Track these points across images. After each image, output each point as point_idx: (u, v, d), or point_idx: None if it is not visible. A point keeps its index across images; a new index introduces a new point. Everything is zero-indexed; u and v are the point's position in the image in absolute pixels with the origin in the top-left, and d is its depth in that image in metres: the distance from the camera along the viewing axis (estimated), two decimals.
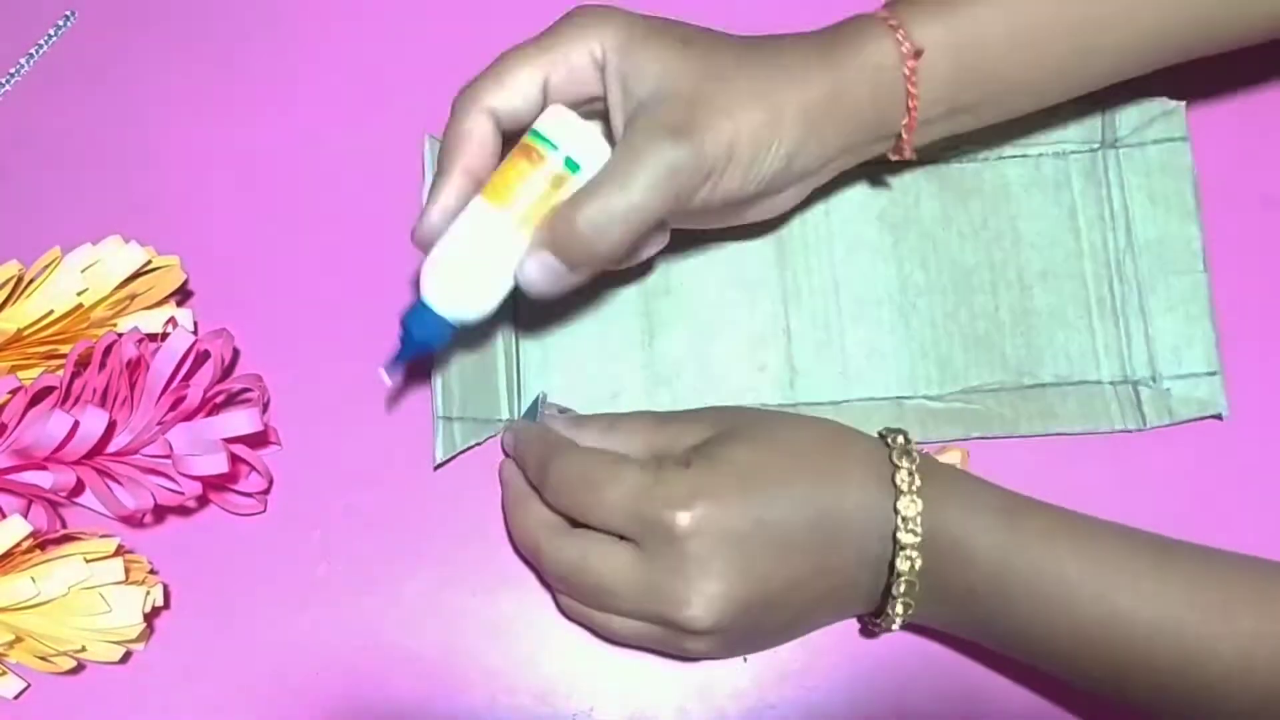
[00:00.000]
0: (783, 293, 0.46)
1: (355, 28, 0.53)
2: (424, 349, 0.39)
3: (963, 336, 0.45)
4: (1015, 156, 0.47)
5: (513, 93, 0.38)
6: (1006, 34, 0.38)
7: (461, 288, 0.38)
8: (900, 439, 0.38)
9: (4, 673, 0.42)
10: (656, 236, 0.40)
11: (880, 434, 0.39)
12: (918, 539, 0.37)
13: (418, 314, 0.38)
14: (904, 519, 0.37)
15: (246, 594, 0.43)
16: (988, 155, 0.47)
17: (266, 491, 0.45)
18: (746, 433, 0.39)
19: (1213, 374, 0.44)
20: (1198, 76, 0.44)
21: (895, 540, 0.37)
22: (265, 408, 0.46)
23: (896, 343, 0.45)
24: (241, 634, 0.43)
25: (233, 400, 0.46)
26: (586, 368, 0.45)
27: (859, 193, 0.47)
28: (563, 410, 0.44)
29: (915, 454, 0.38)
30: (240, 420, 0.41)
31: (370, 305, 0.48)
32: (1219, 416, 0.44)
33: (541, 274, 0.37)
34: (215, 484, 0.43)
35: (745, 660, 0.43)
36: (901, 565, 0.37)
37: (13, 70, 0.52)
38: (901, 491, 0.37)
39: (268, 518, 0.45)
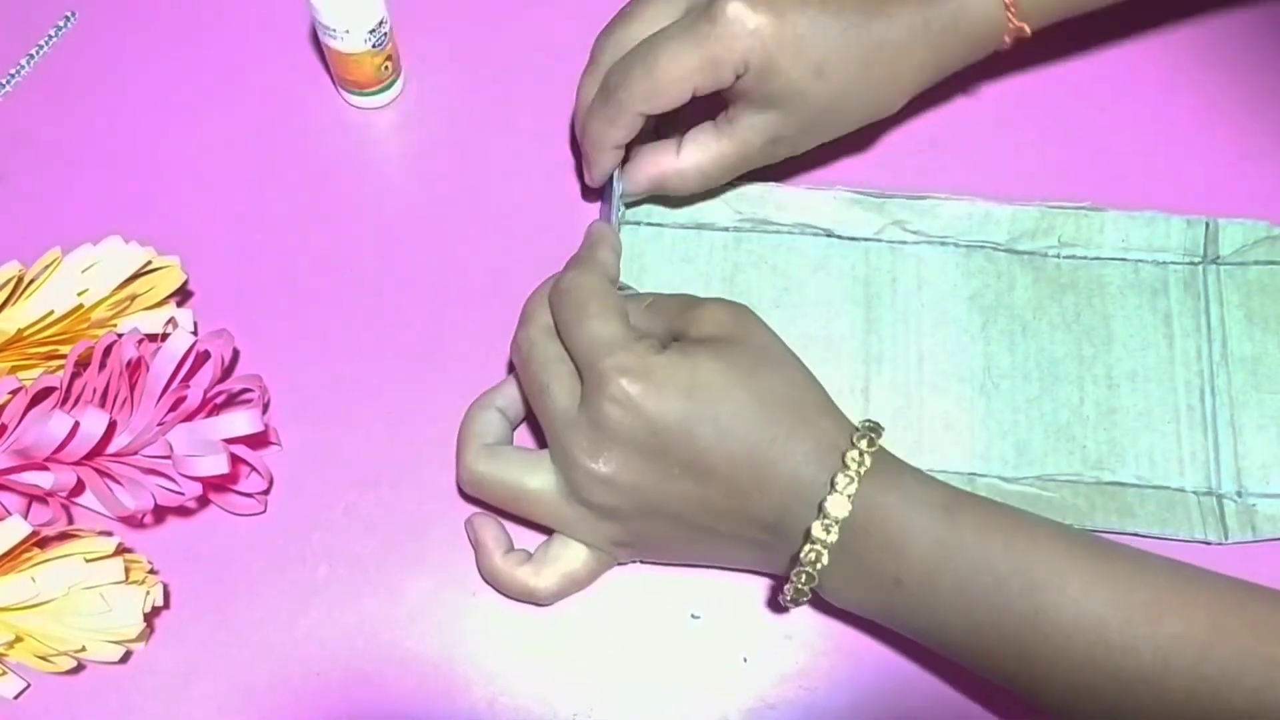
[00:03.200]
0: (865, 355, 0.46)
1: None
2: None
3: (1044, 424, 0.45)
4: (1115, 259, 0.47)
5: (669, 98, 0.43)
6: None
7: None
8: (874, 431, 0.39)
9: (4, 673, 0.42)
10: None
11: (863, 422, 0.39)
12: (844, 514, 0.37)
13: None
14: (836, 492, 0.37)
15: (246, 594, 0.43)
16: (1087, 254, 0.47)
17: (266, 492, 0.45)
18: (737, 350, 0.39)
19: None
20: None
21: (821, 508, 0.37)
22: (265, 408, 0.46)
23: (975, 420, 0.45)
24: (241, 634, 0.43)
25: (233, 401, 0.46)
26: None
27: (954, 273, 0.47)
28: (623, 288, 0.44)
29: (879, 446, 0.38)
30: (240, 421, 0.41)
31: (370, 305, 0.48)
32: None
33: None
34: (215, 484, 0.43)
35: (745, 661, 0.43)
36: (818, 532, 0.37)
37: (13, 71, 0.52)
38: (846, 468, 0.37)
39: (268, 518, 0.45)
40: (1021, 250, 0.47)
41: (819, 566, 0.37)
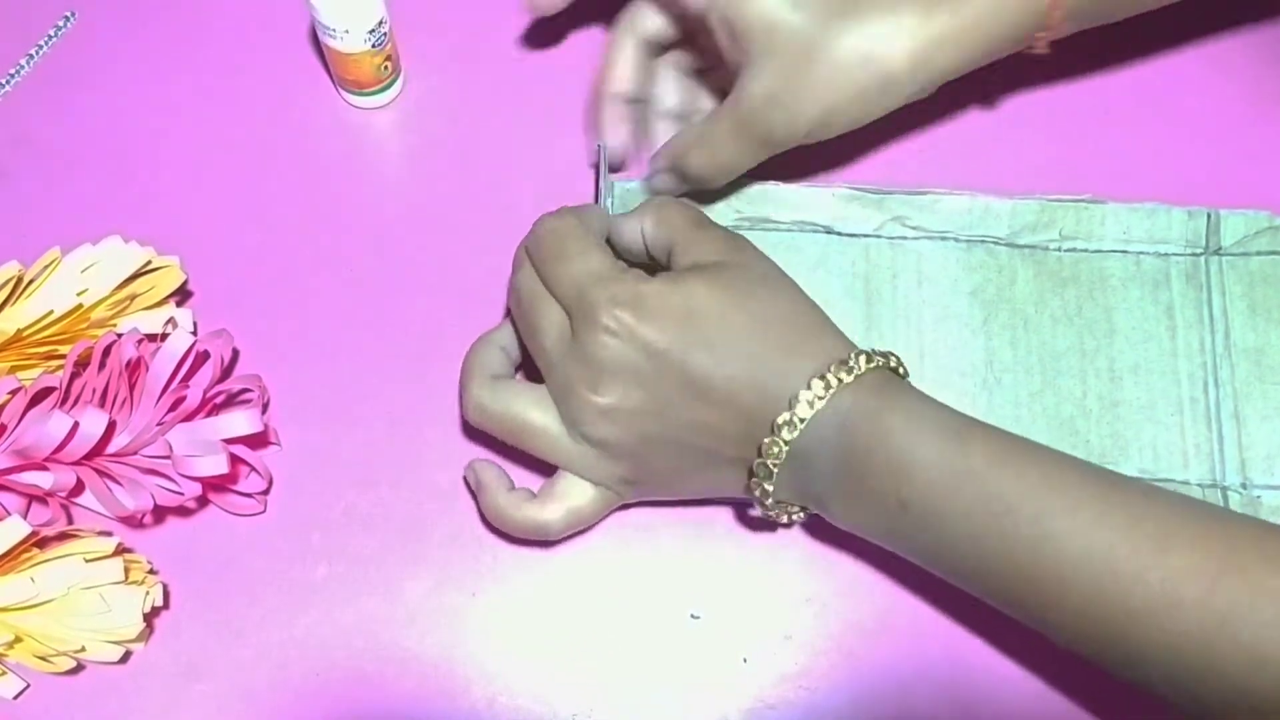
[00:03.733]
0: None
1: None
2: None
3: (1046, 418, 0.45)
4: (1116, 251, 0.47)
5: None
6: None
7: None
8: (884, 359, 0.38)
9: (3, 673, 0.42)
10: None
11: (875, 350, 0.38)
12: (809, 414, 0.36)
13: None
14: (809, 390, 0.37)
15: (246, 594, 0.43)
16: (1088, 247, 0.47)
17: (266, 492, 0.45)
18: (731, 273, 0.39)
19: None
20: None
21: (790, 402, 0.37)
22: (265, 408, 0.46)
23: (977, 415, 0.45)
24: (241, 634, 0.43)
25: (232, 401, 0.46)
26: None
27: (954, 268, 0.47)
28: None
29: (884, 368, 0.38)
30: (240, 421, 0.41)
31: (370, 305, 0.48)
32: None
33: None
34: (215, 484, 0.43)
35: (745, 661, 0.42)
36: (781, 426, 0.37)
37: (13, 71, 0.52)
38: (825, 376, 0.37)
39: (267, 518, 0.45)
40: (1022, 244, 0.47)
41: (776, 465, 0.37)
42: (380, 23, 0.47)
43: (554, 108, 0.51)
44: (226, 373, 0.45)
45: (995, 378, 0.45)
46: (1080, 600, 0.35)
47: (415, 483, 0.45)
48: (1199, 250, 0.47)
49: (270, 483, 0.45)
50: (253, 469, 0.44)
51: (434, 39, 0.52)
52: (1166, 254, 0.47)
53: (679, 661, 0.43)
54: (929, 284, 0.47)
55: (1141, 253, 0.47)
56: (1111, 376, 0.45)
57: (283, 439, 0.46)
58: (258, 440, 0.44)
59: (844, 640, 0.43)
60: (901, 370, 0.39)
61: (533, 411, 0.40)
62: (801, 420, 0.37)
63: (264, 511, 0.45)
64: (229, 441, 0.41)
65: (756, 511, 0.39)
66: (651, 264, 0.42)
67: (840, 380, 0.37)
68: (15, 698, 0.42)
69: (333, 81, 0.51)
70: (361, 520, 0.44)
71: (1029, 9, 0.41)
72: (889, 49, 0.40)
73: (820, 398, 0.37)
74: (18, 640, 0.40)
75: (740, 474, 0.39)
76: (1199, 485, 0.44)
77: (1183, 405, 0.45)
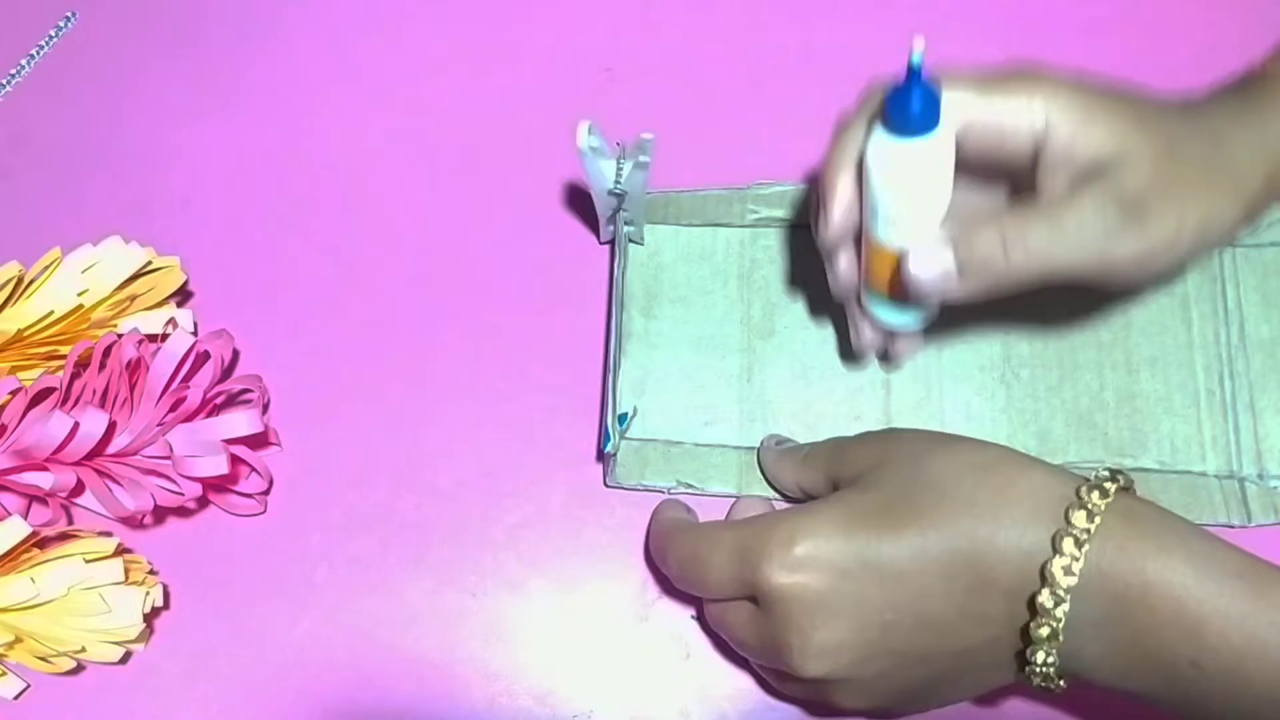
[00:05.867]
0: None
1: (356, 28, 0.53)
2: None
3: (1065, 411, 0.45)
4: None
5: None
6: None
7: None
8: (1111, 480, 0.34)
9: (4, 673, 0.42)
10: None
11: (1096, 473, 0.34)
12: (1074, 581, 0.32)
13: None
14: (1061, 554, 0.32)
15: (246, 595, 0.43)
16: None
17: (266, 493, 0.45)
18: (887, 470, 0.36)
19: None
20: None
21: (1044, 575, 0.32)
22: (265, 409, 0.46)
23: (996, 409, 0.45)
24: (241, 635, 0.43)
25: (233, 401, 0.46)
26: (681, 394, 0.45)
27: None
28: (779, 441, 0.43)
29: (1124, 498, 0.33)
30: (240, 421, 0.41)
31: (370, 306, 0.48)
32: None
33: (931, 269, 0.36)
34: (215, 485, 0.43)
35: (746, 660, 0.42)
36: (1045, 601, 0.32)
37: (13, 71, 0.52)
38: (1070, 526, 0.32)
39: (267, 519, 0.45)
40: None
41: (1057, 641, 0.33)
42: None
43: (555, 110, 0.51)
44: (227, 373, 0.45)
45: (1014, 372, 0.45)
46: None
47: (415, 483, 0.45)
48: None
49: (270, 483, 0.45)
50: (253, 469, 0.44)
51: (435, 38, 0.52)
52: None
53: (678, 662, 0.43)
54: None
55: None
56: (1128, 369, 0.45)
57: (283, 439, 0.46)
58: (258, 441, 0.44)
59: None
60: (1129, 483, 0.35)
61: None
62: (1066, 591, 0.32)
63: (264, 512, 0.45)
64: (229, 442, 0.41)
65: (1036, 683, 0.34)
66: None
67: (1089, 531, 0.32)
68: (15, 698, 0.42)
69: None
70: (361, 521, 0.44)
71: None
72: (1233, 201, 0.37)
73: (1075, 559, 0.32)
74: (18, 640, 0.40)
75: (979, 665, 0.36)
76: (1216, 476, 0.44)
77: (1199, 397, 0.45)
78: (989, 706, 0.42)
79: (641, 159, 0.41)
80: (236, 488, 0.44)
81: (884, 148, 0.35)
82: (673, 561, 0.39)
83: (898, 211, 0.36)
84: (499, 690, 0.42)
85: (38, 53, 0.52)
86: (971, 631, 0.34)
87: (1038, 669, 0.34)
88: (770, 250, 0.48)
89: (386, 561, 0.44)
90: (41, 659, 0.41)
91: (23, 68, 0.52)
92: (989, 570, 0.33)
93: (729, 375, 0.46)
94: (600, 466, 0.45)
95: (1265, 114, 0.38)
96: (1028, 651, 0.33)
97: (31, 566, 0.40)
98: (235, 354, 0.47)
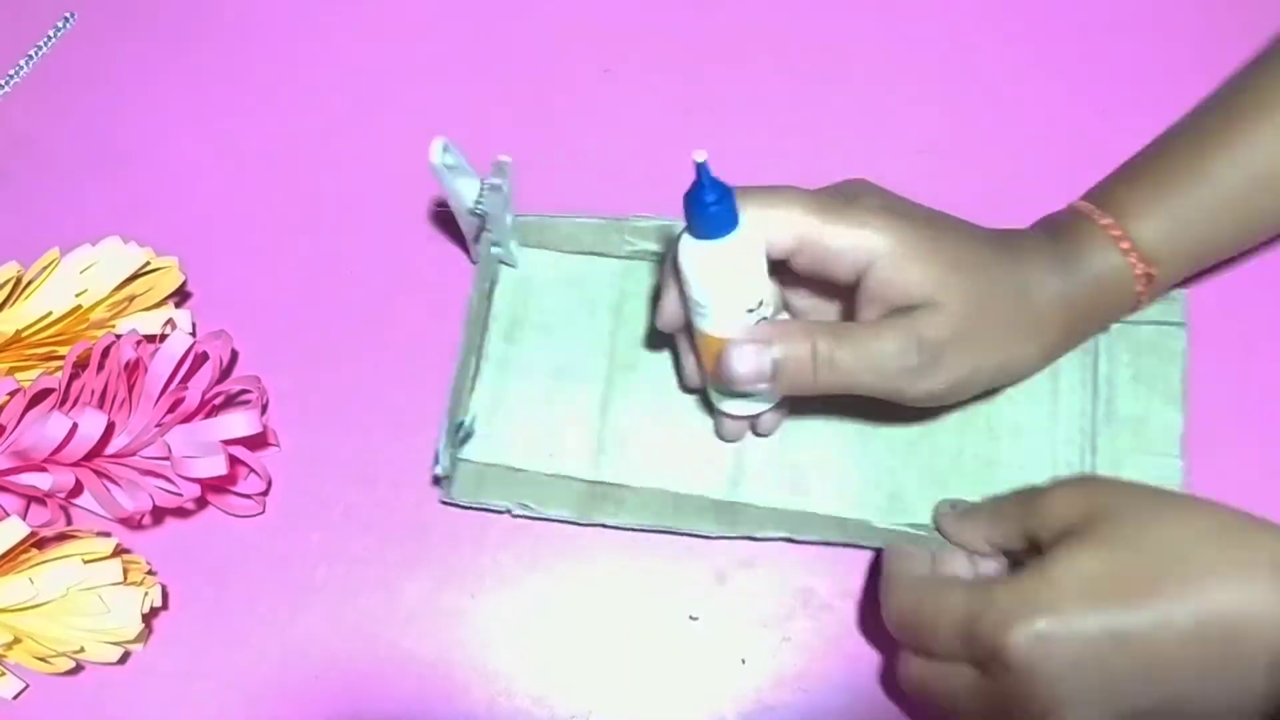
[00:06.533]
0: None
1: (356, 28, 0.53)
2: None
3: (919, 471, 0.44)
4: None
5: (773, 244, 0.37)
6: (1223, 207, 0.40)
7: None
8: None
9: (3, 673, 0.42)
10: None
11: None
12: None
13: None
14: None
15: (245, 596, 0.43)
16: None
17: (265, 493, 0.45)
18: (1107, 527, 0.35)
19: None
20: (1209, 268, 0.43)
21: None
22: (264, 409, 0.46)
23: (850, 464, 0.44)
24: (240, 636, 0.43)
25: (231, 402, 0.46)
26: (531, 423, 0.45)
27: None
28: (954, 505, 0.42)
29: None
30: (239, 422, 0.41)
31: (370, 306, 0.48)
32: None
33: (746, 366, 0.37)
34: (214, 486, 0.43)
35: (744, 662, 0.42)
36: None
37: (12, 71, 0.52)
38: None
39: (266, 519, 0.45)
40: None
41: None
42: None
43: (556, 113, 0.51)
44: (225, 374, 0.45)
45: (872, 427, 0.45)
46: None
47: (415, 483, 0.45)
48: None
49: (269, 484, 0.45)
50: (252, 470, 0.44)
51: (435, 39, 0.52)
52: None
53: (678, 663, 0.43)
54: None
55: None
56: (991, 435, 0.44)
57: (282, 440, 0.46)
58: (257, 441, 0.44)
59: (842, 642, 0.43)
60: None
61: None
62: None
63: (263, 512, 0.45)
64: (228, 443, 0.41)
65: None
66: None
67: None
68: (15, 698, 0.42)
69: None
70: (361, 521, 0.44)
71: (1124, 304, 0.42)
72: (1032, 345, 0.40)
73: None
74: (17, 641, 0.40)
75: None
76: None
77: (1057, 468, 0.44)
78: None
79: (495, 181, 0.41)
80: (235, 488, 0.44)
81: (688, 246, 0.36)
82: (894, 613, 0.38)
83: (705, 303, 0.37)
84: (498, 690, 0.42)
85: (37, 53, 0.52)
86: (1223, 697, 0.33)
87: None
88: (643, 284, 0.47)
89: (386, 561, 0.44)
90: (40, 659, 0.41)
91: (22, 68, 0.52)
92: (1237, 635, 0.32)
93: (585, 406, 0.45)
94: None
95: (1068, 263, 0.40)
96: None
97: (30, 567, 0.40)
98: (234, 354, 0.47)
